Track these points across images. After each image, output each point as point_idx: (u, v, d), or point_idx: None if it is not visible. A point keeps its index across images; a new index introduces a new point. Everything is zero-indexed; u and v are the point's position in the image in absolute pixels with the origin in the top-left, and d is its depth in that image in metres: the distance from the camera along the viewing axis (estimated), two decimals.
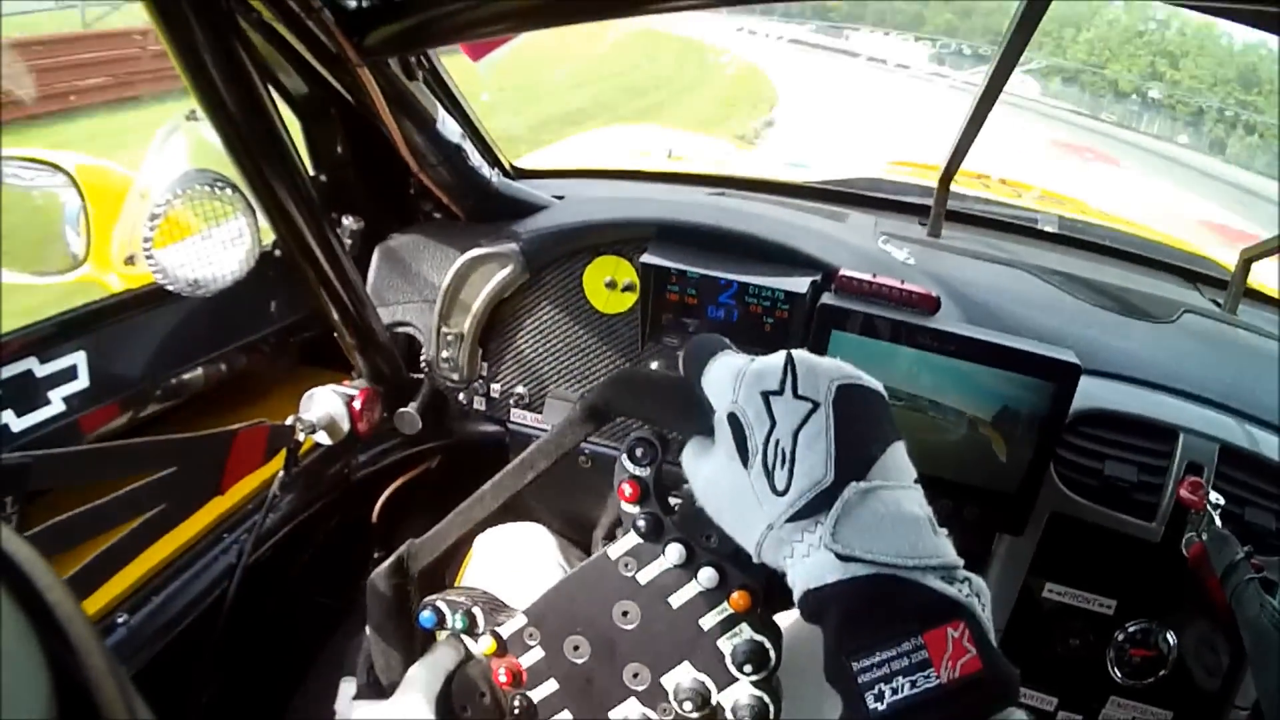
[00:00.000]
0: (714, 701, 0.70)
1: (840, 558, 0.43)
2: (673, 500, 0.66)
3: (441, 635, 0.73)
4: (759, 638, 0.67)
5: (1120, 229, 1.56)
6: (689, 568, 0.67)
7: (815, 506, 0.45)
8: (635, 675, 0.72)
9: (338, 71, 0.94)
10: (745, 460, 0.48)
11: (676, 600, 0.69)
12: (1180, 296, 1.25)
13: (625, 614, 0.72)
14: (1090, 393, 0.97)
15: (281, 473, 0.99)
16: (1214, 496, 0.92)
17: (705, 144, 2.22)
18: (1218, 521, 0.91)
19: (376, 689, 0.69)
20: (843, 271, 0.90)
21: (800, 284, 0.92)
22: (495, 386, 1.06)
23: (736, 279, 0.91)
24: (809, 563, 0.45)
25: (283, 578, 1.03)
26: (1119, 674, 0.99)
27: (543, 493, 1.08)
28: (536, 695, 0.73)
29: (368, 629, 0.72)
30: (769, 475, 0.47)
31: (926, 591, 0.42)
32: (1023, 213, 1.49)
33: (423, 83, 0.98)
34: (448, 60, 1.05)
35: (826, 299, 0.88)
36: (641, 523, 0.66)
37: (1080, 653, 0.99)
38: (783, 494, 0.46)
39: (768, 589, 0.63)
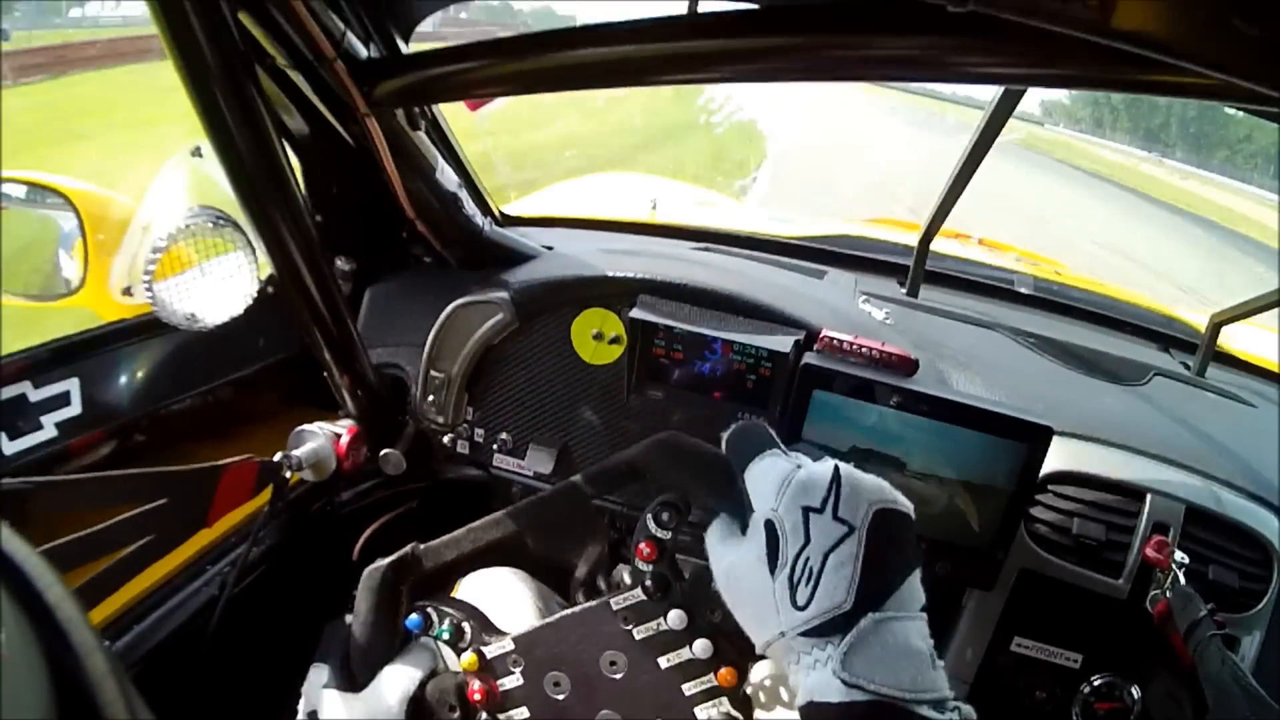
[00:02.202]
0: None
1: (845, 684, 0.48)
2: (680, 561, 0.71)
3: (421, 640, 0.77)
4: (735, 715, 0.73)
5: (1094, 291, 1.65)
6: (685, 635, 0.72)
7: (830, 628, 0.50)
8: None
9: (345, 119, 1.00)
10: (773, 568, 0.53)
11: (665, 662, 0.74)
12: (1151, 359, 1.32)
13: (613, 664, 0.77)
14: (1061, 453, 1.04)
15: (267, 507, 1.03)
16: (1179, 556, 0.98)
17: (690, 194, 2.30)
18: (1182, 580, 0.97)
19: (348, 680, 0.72)
20: (825, 332, 0.97)
21: (784, 343, 0.98)
22: (480, 431, 1.11)
23: (722, 336, 0.98)
24: (815, 676, 0.50)
25: (264, 612, 1.07)
26: None
27: (522, 535, 1.12)
28: (505, 718, 0.77)
29: (349, 618, 0.75)
30: (792, 588, 0.52)
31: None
32: (999, 274, 1.57)
33: (424, 133, 1.04)
34: (445, 108, 1.12)
35: (809, 359, 0.94)
36: (650, 583, 0.71)
37: (1047, 705, 1.05)
38: (802, 609, 0.51)
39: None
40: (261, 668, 1.08)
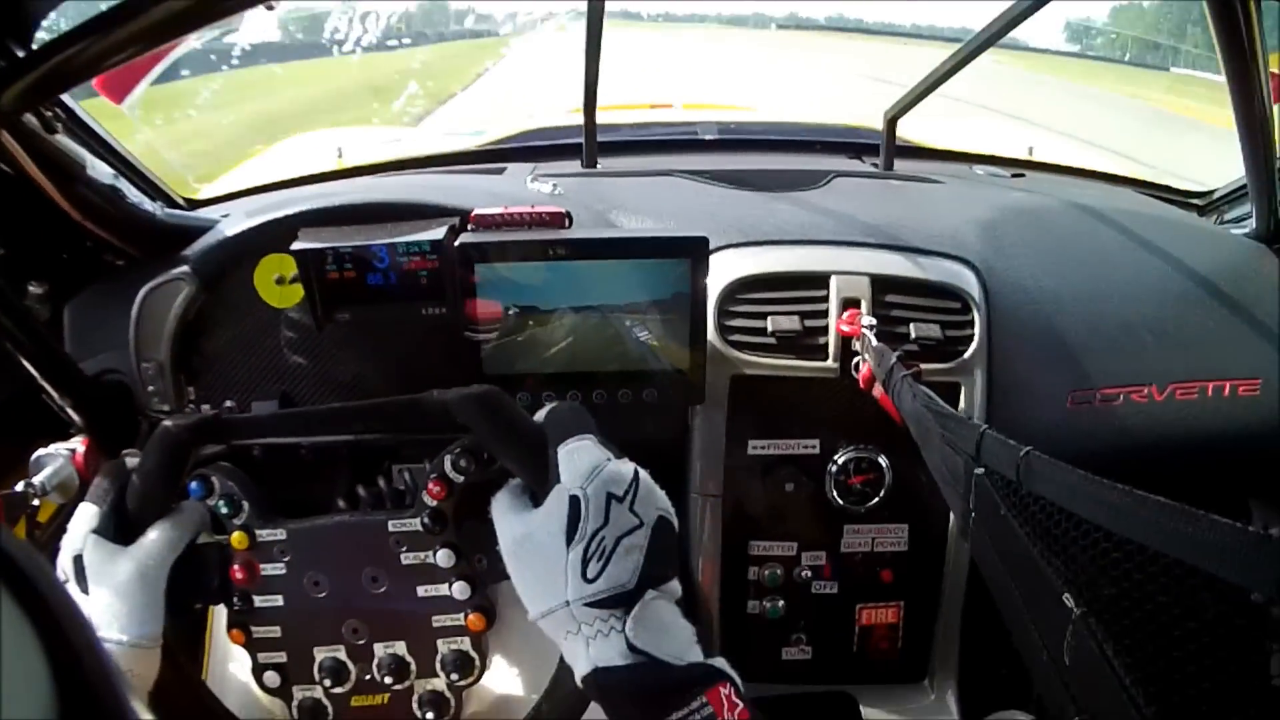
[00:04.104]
0: (409, 683, 0.87)
1: (632, 649, 0.61)
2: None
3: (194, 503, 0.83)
4: (473, 654, 0.86)
5: (780, 124, 1.76)
6: (448, 573, 0.82)
7: (613, 602, 0.62)
8: (355, 630, 0.88)
9: None
10: (569, 539, 0.64)
11: (423, 591, 0.85)
12: (835, 165, 1.43)
13: (375, 579, 0.87)
14: (742, 261, 1.15)
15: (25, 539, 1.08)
16: (865, 320, 1.09)
17: (380, 135, 2.36)
18: (874, 341, 1.07)
19: (117, 528, 0.76)
20: (475, 211, 1.05)
21: (439, 232, 1.06)
22: (205, 406, 1.18)
23: (382, 243, 1.05)
24: (599, 644, 0.62)
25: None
26: (844, 503, 1.16)
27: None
28: (259, 601, 0.87)
29: (128, 460, 0.80)
30: (584, 562, 0.63)
31: (699, 667, 0.61)
32: (684, 128, 1.67)
33: (64, 133, 1.09)
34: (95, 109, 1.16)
35: (464, 238, 1.03)
36: (429, 519, 0.81)
37: (801, 495, 1.16)
38: (590, 581, 0.62)
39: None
40: None
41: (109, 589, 0.74)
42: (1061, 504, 0.65)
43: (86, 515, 0.78)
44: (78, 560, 0.75)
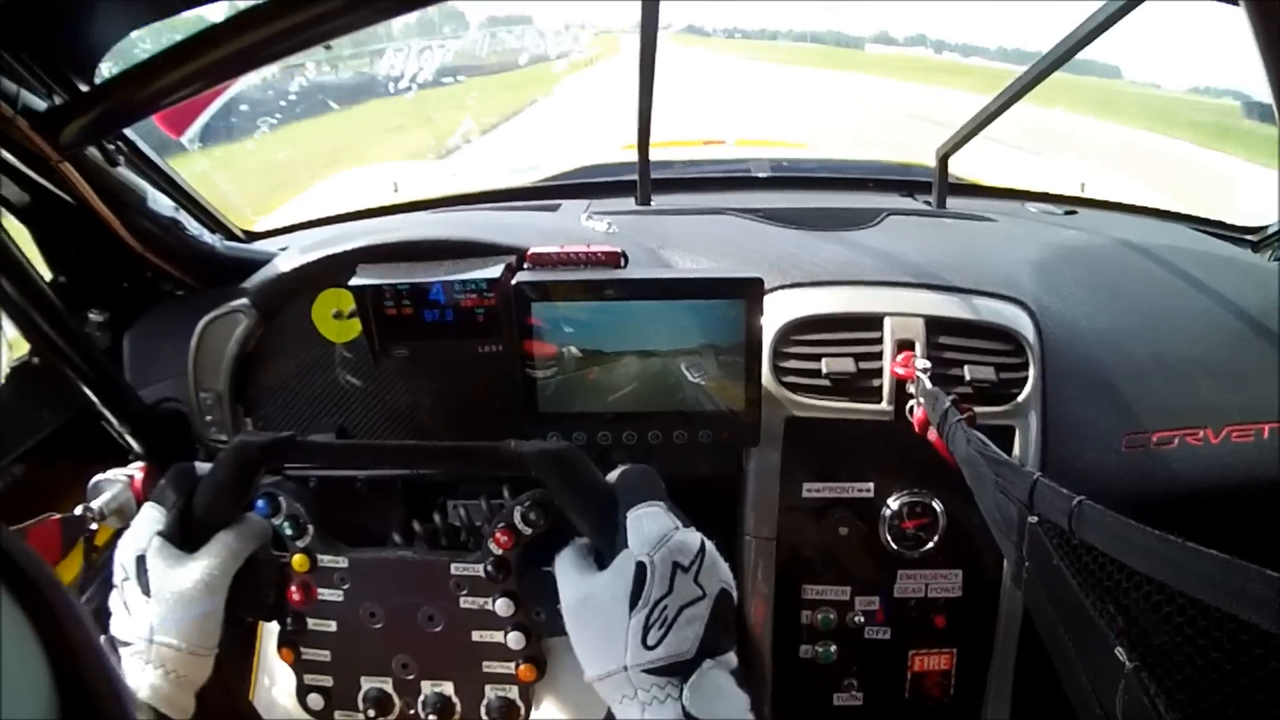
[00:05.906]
0: None
1: (688, 716, 0.63)
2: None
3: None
4: (519, 703, 0.88)
5: (832, 160, 1.77)
6: (505, 621, 0.84)
7: (671, 670, 0.65)
8: (404, 665, 0.90)
9: (45, 173, 1.07)
10: (633, 605, 0.66)
11: (478, 636, 0.86)
12: (887, 204, 1.44)
13: (430, 618, 0.89)
14: (796, 302, 1.16)
15: (84, 563, 1.11)
16: (919, 363, 1.09)
17: (438, 169, 2.38)
18: (928, 384, 1.07)
19: (182, 533, 0.77)
20: (531, 249, 1.06)
21: (495, 270, 1.07)
22: None
23: (438, 280, 1.07)
24: (655, 710, 0.64)
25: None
26: (897, 548, 1.15)
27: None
28: (313, 624, 0.89)
29: (198, 466, 0.82)
30: (645, 629, 0.65)
31: None
32: (737, 165, 1.68)
33: (125, 166, 1.12)
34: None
35: (520, 276, 1.04)
36: (492, 567, 0.84)
37: (854, 539, 1.16)
38: (650, 649, 0.65)
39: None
40: None
41: (173, 593, 0.75)
42: (1114, 554, 0.65)
43: (151, 517, 0.79)
44: (140, 561, 0.77)
